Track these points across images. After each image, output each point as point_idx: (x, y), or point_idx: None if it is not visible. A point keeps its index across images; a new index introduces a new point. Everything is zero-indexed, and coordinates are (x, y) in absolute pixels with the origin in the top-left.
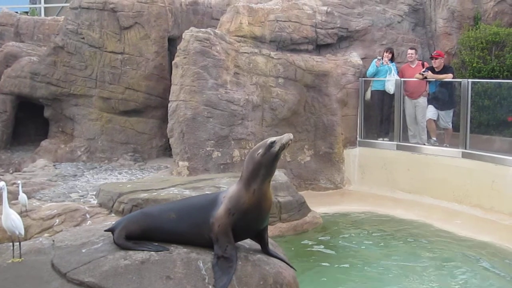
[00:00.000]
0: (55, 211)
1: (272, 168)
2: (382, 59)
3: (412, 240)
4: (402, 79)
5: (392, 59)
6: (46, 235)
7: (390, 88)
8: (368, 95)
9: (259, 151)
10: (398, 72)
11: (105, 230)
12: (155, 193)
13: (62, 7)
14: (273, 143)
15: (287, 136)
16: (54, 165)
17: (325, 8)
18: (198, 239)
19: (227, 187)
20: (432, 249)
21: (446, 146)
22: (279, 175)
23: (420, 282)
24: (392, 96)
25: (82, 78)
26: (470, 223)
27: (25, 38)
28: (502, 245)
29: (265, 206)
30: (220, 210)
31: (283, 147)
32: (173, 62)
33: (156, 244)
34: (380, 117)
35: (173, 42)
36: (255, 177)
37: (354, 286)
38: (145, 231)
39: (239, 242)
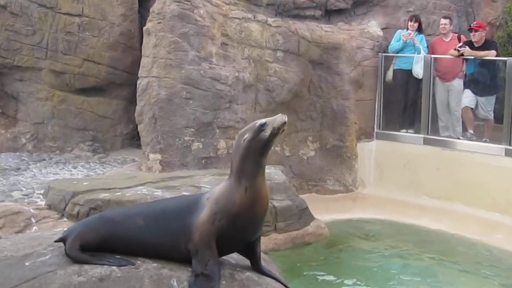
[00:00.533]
0: None
1: (263, 157)
2: (408, 30)
3: (441, 258)
4: (432, 56)
5: (419, 30)
6: None
7: (419, 71)
8: (390, 75)
9: (246, 136)
10: (428, 47)
11: (56, 241)
12: (119, 193)
13: None
14: (263, 125)
15: (280, 118)
16: None
17: None
18: (172, 251)
19: (210, 187)
20: (467, 270)
21: (485, 141)
22: (275, 173)
23: None
24: (420, 78)
25: (29, 46)
26: None
27: None
28: None
29: (260, 209)
30: (203, 214)
31: (275, 131)
32: (144, 28)
33: (119, 257)
34: (404, 103)
35: (144, 3)
36: (245, 170)
37: None
38: (105, 240)
39: (224, 257)
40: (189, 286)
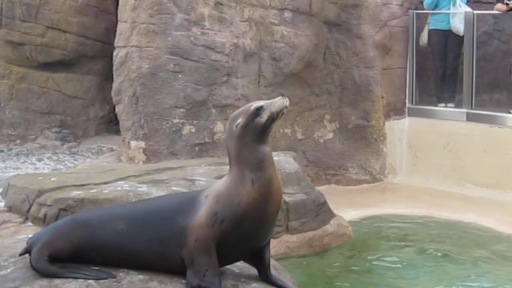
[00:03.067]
0: None
1: (262, 143)
2: None
3: (493, 260)
4: (475, 12)
5: None
6: None
7: (459, 26)
8: (424, 37)
9: (239, 121)
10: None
11: (20, 254)
12: (95, 191)
13: None
14: (259, 109)
15: (281, 102)
16: None
17: None
18: (162, 261)
19: (205, 179)
20: None
21: None
22: (286, 161)
23: None
24: (461, 39)
25: None
26: None
27: None
28: None
29: (272, 206)
30: (200, 215)
31: (273, 117)
32: None
33: (97, 268)
34: (442, 71)
35: None
36: (245, 160)
37: None
38: (78, 249)
39: (226, 266)
40: None
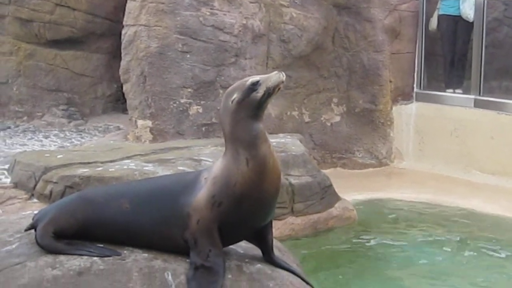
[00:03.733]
0: None
1: (257, 120)
2: None
3: (498, 248)
4: None
5: None
6: None
7: (469, 12)
8: (434, 22)
9: (234, 96)
10: None
11: (26, 229)
12: (101, 169)
13: None
14: (255, 84)
15: (276, 76)
16: None
17: None
18: (165, 241)
19: (211, 160)
20: None
21: None
22: (292, 144)
23: None
24: (471, 25)
25: None
26: None
27: None
28: None
29: (270, 184)
30: (200, 197)
31: (270, 91)
32: None
33: (101, 246)
34: (451, 56)
35: None
36: (240, 138)
37: None
38: (83, 226)
39: (229, 246)
40: (188, 281)
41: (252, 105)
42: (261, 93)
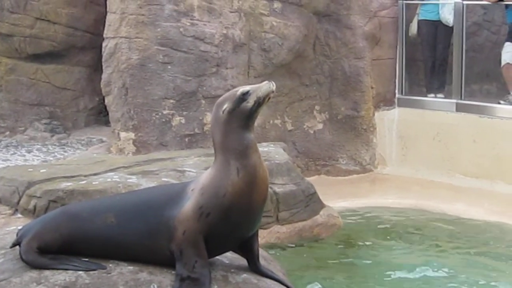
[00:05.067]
0: None
1: (248, 130)
2: None
3: (482, 251)
4: (465, 2)
5: None
6: None
7: (448, 17)
8: (414, 27)
9: (225, 107)
10: None
11: (11, 246)
12: (84, 182)
13: None
14: (245, 94)
15: (267, 86)
16: None
17: None
18: (151, 254)
19: (195, 170)
20: None
21: None
22: (276, 152)
23: None
24: (450, 29)
25: None
26: None
27: None
28: None
29: (259, 195)
30: (187, 208)
31: (260, 101)
32: None
33: (86, 260)
34: (432, 61)
35: None
36: (230, 148)
37: None
38: (68, 241)
39: (216, 257)
40: None
41: (243, 115)
42: (251, 103)
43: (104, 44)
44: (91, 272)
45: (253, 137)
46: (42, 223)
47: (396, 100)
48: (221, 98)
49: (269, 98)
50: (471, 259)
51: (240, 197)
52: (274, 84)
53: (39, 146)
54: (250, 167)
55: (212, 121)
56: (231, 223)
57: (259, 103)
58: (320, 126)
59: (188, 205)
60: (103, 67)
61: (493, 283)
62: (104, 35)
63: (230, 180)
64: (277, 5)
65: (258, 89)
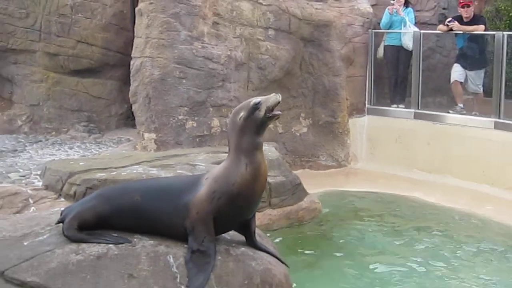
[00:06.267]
0: None
1: (259, 134)
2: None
3: (434, 230)
4: (422, 31)
5: (406, 4)
6: None
7: (408, 43)
8: (381, 51)
9: (241, 114)
10: (415, 19)
11: (57, 222)
12: (115, 173)
13: None
14: (257, 104)
15: (274, 97)
16: None
17: None
18: (169, 229)
19: (204, 164)
20: (459, 242)
21: (475, 115)
22: (269, 150)
23: (445, 283)
24: (410, 53)
25: (22, 29)
26: (505, 209)
27: None
28: None
29: (260, 186)
30: (201, 193)
31: (269, 110)
32: (136, 9)
33: (116, 235)
34: (395, 78)
35: None
36: (243, 147)
37: (358, 285)
38: (102, 217)
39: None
40: (186, 262)
41: (256, 122)
42: (262, 112)
43: (131, 62)
44: (119, 245)
45: (261, 140)
46: (81, 205)
47: (366, 110)
48: (237, 107)
49: (278, 117)
50: (422, 233)
51: (246, 186)
52: (280, 96)
53: (78, 144)
54: (256, 164)
55: (230, 125)
56: (237, 207)
57: (269, 111)
58: (305, 129)
59: (203, 190)
60: (131, 81)
61: (435, 242)
62: (132, 55)
63: (240, 173)
64: (271, 32)
65: (267, 100)
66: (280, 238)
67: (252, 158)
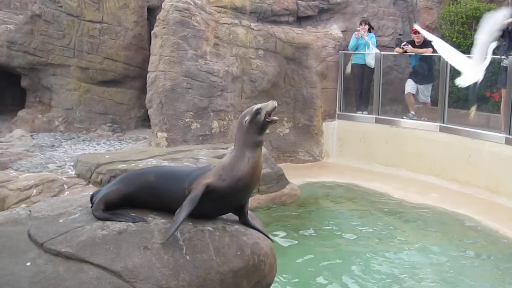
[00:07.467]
0: (32, 181)
1: (261, 135)
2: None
3: (389, 212)
4: (382, 52)
5: (370, 30)
6: (23, 205)
7: (371, 62)
8: (349, 68)
9: (246, 118)
10: (377, 43)
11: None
12: (133, 164)
13: None
14: (259, 109)
15: (272, 104)
16: (31, 135)
17: None
18: (178, 205)
19: (205, 158)
20: (408, 221)
21: (424, 120)
22: None
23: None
24: (372, 70)
25: (59, 47)
26: (447, 196)
27: (1, 6)
28: (477, 218)
29: (256, 176)
30: (209, 173)
31: (268, 114)
32: (152, 32)
33: (134, 214)
34: (360, 90)
35: (152, 12)
36: (247, 145)
37: (330, 255)
38: (125, 197)
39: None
40: (179, 209)
41: (258, 124)
42: (263, 115)
43: (148, 75)
44: (137, 223)
45: (262, 139)
46: (107, 189)
47: (336, 115)
48: (243, 112)
49: (275, 121)
50: (380, 215)
51: (246, 175)
52: (276, 102)
53: (104, 141)
54: (256, 158)
55: (238, 127)
56: (236, 190)
57: (268, 115)
58: (287, 131)
59: (211, 172)
60: (147, 90)
61: (388, 221)
62: (148, 69)
63: (243, 163)
64: (260, 52)
65: (266, 106)
66: (267, 218)
67: (253, 153)
